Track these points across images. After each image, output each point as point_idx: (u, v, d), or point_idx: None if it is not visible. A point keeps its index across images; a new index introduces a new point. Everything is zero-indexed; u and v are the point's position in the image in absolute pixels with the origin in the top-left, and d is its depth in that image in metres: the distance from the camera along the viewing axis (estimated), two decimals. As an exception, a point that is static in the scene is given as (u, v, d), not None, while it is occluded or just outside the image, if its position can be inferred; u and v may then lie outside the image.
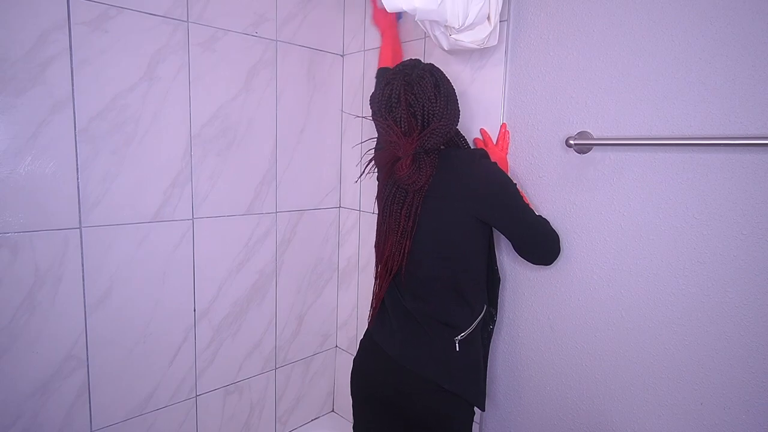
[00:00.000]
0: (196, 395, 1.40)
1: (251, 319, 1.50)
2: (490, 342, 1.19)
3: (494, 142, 1.22)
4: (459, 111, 1.04)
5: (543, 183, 1.15)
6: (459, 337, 1.05)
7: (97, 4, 1.10)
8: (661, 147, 0.96)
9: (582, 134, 1.06)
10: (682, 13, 0.92)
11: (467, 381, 1.07)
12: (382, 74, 1.16)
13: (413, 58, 1.08)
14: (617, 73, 1.01)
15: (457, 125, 1.04)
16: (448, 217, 1.01)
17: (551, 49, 1.11)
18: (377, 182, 1.13)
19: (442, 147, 1.05)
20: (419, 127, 0.95)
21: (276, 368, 1.60)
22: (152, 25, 1.19)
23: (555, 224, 1.14)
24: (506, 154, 1.21)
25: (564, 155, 1.11)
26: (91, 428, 1.20)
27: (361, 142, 1.15)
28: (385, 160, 1.01)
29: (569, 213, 1.11)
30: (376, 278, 1.14)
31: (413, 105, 0.95)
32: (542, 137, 1.15)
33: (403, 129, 0.95)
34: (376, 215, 1.16)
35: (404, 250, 1.03)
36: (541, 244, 1.07)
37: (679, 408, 0.98)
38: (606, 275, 1.06)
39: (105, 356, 1.20)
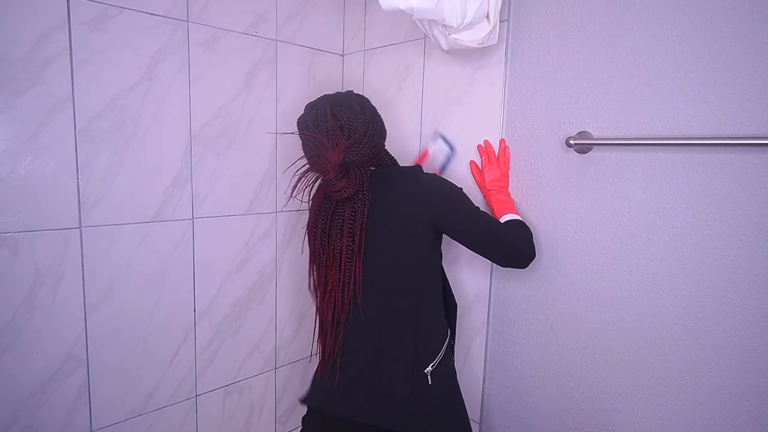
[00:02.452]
0: (196, 395, 1.40)
1: (251, 319, 1.50)
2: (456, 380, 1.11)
3: (496, 156, 1.21)
4: (386, 131, 1.07)
5: (543, 183, 1.15)
6: (430, 367, 0.98)
7: (97, 4, 1.10)
8: (661, 147, 0.96)
9: (582, 134, 1.06)
10: (682, 13, 0.92)
11: (447, 425, 1.00)
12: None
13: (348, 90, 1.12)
14: (617, 73, 1.01)
15: (383, 144, 1.05)
16: (402, 230, 0.98)
17: (551, 49, 1.11)
18: (309, 205, 1.07)
19: (372, 168, 1.03)
20: (345, 138, 0.97)
21: (276, 368, 1.60)
22: (152, 24, 1.18)
23: (555, 224, 1.14)
24: (508, 169, 1.20)
25: (564, 155, 1.11)
26: (91, 428, 1.20)
27: (293, 163, 1.07)
28: (317, 172, 0.99)
29: (569, 213, 1.11)
30: (323, 318, 1.04)
31: (339, 118, 0.99)
32: (542, 137, 1.15)
33: (330, 140, 0.96)
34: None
35: (356, 272, 0.96)
36: (505, 243, 1.02)
37: (679, 408, 0.98)
38: (606, 275, 1.06)
39: (105, 356, 1.20)
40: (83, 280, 1.14)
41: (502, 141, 1.22)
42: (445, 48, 1.15)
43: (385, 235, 0.98)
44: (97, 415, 1.20)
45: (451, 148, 1.28)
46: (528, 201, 1.18)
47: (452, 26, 1.06)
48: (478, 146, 1.24)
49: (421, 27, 1.14)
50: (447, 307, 1.11)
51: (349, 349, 1.01)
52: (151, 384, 1.30)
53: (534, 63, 1.15)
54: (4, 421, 1.07)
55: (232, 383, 1.49)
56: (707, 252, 0.92)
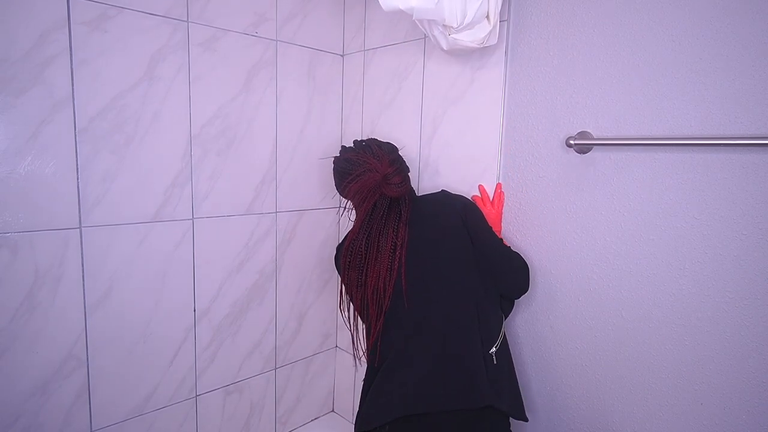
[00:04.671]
0: (196, 395, 1.40)
1: (251, 319, 1.50)
2: None
3: (490, 200, 1.24)
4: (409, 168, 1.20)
5: (543, 183, 1.15)
6: (494, 348, 1.04)
7: (97, 4, 1.10)
8: (661, 147, 0.96)
9: (582, 134, 1.06)
10: (682, 13, 0.92)
11: (515, 397, 1.07)
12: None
13: None
14: (617, 73, 1.01)
15: (409, 173, 1.18)
16: (445, 229, 1.09)
17: (551, 49, 1.11)
18: (353, 220, 1.16)
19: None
20: (387, 156, 1.12)
21: (276, 368, 1.60)
22: (152, 24, 1.18)
23: (555, 224, 1.14)
24: (500, 213, 1.23)
25: (564, 155, 1.11)
26: (91, 428, 1.20)
27: (341, 206, 1.24)
28: (368, 185, 1.10)
29: (569, 213, 1.11)
30: (369, 320, 1.10)
31: (380, 145, 1.16)
32: (542, 137, 1.15)
33: (375, 158, 1.12)
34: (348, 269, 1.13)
35: (401, 263, 1.05)
36: (510, 259, 1.12)
37: (679, 408, 0.98)
38: (606, 275, 1.06)
39: (105, 356, 1.20)
40: (83, 280, 1.14)
41: (498, 185, 1.23)
42: (445, 48, 1.15)
43: (434, 233, 1.09)
44: (97, 415, 1.20)
45: None
46: (528, 201, 1.18)
47: (452, 26, 1.06)
48: (473, 197, 1.27)
49: (421, 27, 1.14)
50: None
51: (414, 344, 1.05)
52: (151, 384, 1.30)
53: (534, 63, 1.15)
54: (4, 421, 1.07)
55: (232, 383, 1.49)
56: (707, 252, 0.92)
